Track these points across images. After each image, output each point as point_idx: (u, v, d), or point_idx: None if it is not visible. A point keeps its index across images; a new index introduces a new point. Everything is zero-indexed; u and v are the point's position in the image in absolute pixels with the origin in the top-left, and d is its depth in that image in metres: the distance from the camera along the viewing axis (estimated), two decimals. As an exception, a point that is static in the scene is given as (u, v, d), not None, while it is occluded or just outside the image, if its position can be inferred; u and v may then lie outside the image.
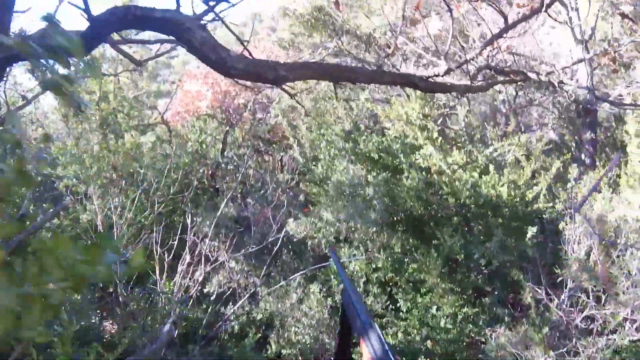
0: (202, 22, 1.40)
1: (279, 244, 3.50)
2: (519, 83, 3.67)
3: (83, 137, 5.90)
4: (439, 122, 4.41)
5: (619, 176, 5.08)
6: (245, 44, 1.60)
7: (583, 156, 6.16)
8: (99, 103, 5.89)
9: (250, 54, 1.58)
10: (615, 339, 3.34)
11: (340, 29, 4.13)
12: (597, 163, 6.05)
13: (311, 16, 4.37)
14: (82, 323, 3.57)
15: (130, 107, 6.24)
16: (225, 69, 1.40)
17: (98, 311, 4.01)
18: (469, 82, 1.63)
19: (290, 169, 4.99)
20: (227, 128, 5.74)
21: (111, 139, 5.86)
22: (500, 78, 2.61)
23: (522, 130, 5.61)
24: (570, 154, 4.98)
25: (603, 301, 3.54)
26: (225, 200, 3.63)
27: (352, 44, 4.25)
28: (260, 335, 4.02)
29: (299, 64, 1.63)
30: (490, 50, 1.56)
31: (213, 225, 3.80)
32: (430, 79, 1.71)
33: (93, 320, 3.85)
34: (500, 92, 5.33)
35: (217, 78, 6.15)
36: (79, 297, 3.71)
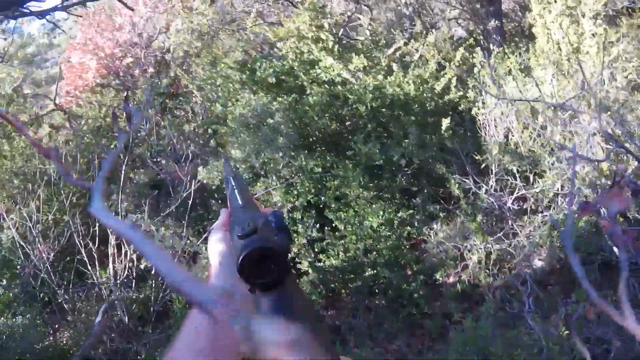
0: None
1: (192, 196, 3.25)
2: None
3: None
4: (340, 33, 4.19)
5: (528, 59, 5.16)
6: None
7: (491, 46, 6.22)
8: None
9: None
10: (550, 214, 3.47)
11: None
12: (506, 49, 6.13)
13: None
14: (40, 344, 3.32)
15: (8, 103, 5.55)
16: None
17: (50, 327, 3.71)
18: None
19: (202, 117, 4.65)
20: (125, 93, 5.21)
21: (2, 143, 5.25)
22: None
23: (428, 29, 5.52)
24: (473, 40, 4.95)
25: (532, 181, 3.65)
26: (123, 169, 3.28)
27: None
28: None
29: None
30: None
31: (126, 197, 3.47)
32: None
33: (50, 338, 3.58)
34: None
35: (97, 42, 5.49)
36: (24, 320, 3.42)
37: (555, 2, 4.61)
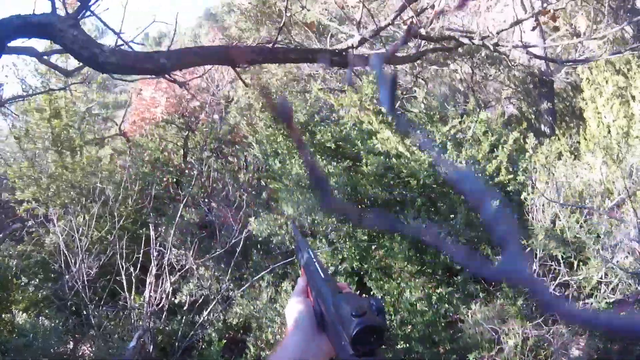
0: (76, 20, 1.30)
1: (241, 244, 3.39)
2: (455, 50, 3.65)
3: (37, 157, 5.69)
4: (396, 105, 4.39)
5: (578, 142, 5.16)
6: (121, 34, 1.50)
7: (542, 127, 6.26)
8: (50, 120, 5.67)
9: (130, 47, 1.48)
10: (592, 303, 3.37)
11: (287, 19, 4.04)
12: (557, 132, 6.16)
13: (257, 9, 4.25)
14: (57, 349, 3.44)
15: (81, 121, 6.03)
16: (98, 65, 1.32)
17: (71, 336, 3.86)
18: (392, 52, 1.57)
19: (254, 168, 4.89)
20: (187, 133, 5.57)
21: (67, 156, 5.66)
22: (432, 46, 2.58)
23: (482, 106, 5.65)
24: (526, 124, 5.02)
25: (575, 267, 3.57)
26: (182, 205, 3.48)
27: (302, 34, 4.17)
28: (238, 338, 3.94)
29: (179, 50, 1.54)
30: (414, 18, 1.50)
31: (173, 233, 3.65)
32: (344, 52, 1.64)
33: (69, 346, 3.71)
34: (456, 71, 5.35)
35: (170, 83, 5.96)
36: (51, 324, 3.58)
37: (607, 83, 4.65)
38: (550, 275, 3.59)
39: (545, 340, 3.37)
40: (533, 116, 6.34)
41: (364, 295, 3.06)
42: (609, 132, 4.79)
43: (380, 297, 3.15)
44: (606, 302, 3.37)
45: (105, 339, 3.68)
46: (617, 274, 3.27)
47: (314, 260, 0.82)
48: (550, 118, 6.45)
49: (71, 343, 3.79)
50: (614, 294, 3.42)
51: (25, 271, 4.32)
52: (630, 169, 3.94)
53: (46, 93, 5.63)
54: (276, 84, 4.08)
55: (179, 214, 3.43)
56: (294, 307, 0.75)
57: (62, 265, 3.99)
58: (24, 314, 3.66)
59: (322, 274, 0.76)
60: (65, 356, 3.60)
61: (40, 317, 3.69)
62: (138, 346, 3.27)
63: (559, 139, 5.02)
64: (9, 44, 1.43)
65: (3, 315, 3.42)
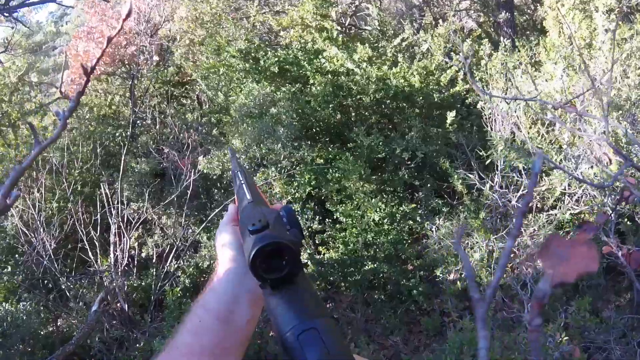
0: None
1: (191, 186, 3.23)
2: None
3: None
4: (347, 23, 4.12)
5: (538, 53, 5.05)
6: None
7: (502, 39, 6.10)
8: None
9: None
10: (556, 214, 3.39)
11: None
12: (517, 43, 6.02)
13: None
14: (42, 330, 3.35)
15: (12, 92, 5.56)
16: None
17: (51, 313, 3.74)
18: None
19: (207, 106, 4.62)
20: (131, 81, 5.19)
21: (8, 132, 5.27)
22: None
23: (439, 20, 5.41)
24: (485, 36, 4.85)
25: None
26: (123, 155, 3.26)
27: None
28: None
29: None
30: None
31: (127, 186, 3.45)
32: None
33: (52, 324, 3.61)
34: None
35: (102, 31, 5.47)
36: (27, 307, 3.46)
37: None
38: (512, 187, 3.59)
39: (510, 252, 3.43)
40: (492, 29, 6.15)
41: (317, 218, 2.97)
42: (571, 42, 4.66)
43: (342, 219, 3.08)
44: (570, 214, 3.40)
45: (81, 308, 3.59)
46: (580, 185, 3.27)
47: (243, 182, 0.69)
48: (510, 30, 6.28)
49: (52, 322, 3.69)
50: (577, 206, 3.45)
51: None
52: (592, 79, 3.85)
53: None
54: (211, 12, 3.74)
55: (122, 166, 3.20)
56: (222, 237, 0.63)
57: (26, 245, 3.80)
58: (6, 304, 3.52)
59: (247, 195, 0.63)
60: (53, 335, 3.50)
61: (20, 303, 3.54)
62: (101, 308, 3.17)
63: (518, 50, 4.88)
64: None
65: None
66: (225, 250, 0.60)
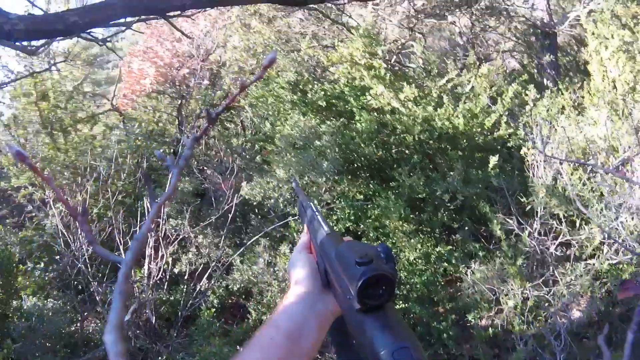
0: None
1: (233, 210, 3.33)
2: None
3: (29, 142, 5.63)
4: (392, 60, 4.21)
5: (582, 97, 4.98)
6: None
7: (545, 81, 6.05)
8: (37, 103, 5.57)
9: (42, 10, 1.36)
10: (594, 264, 3.29)
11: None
12: (560, 86, 5.94)
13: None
14: (65, 329, 3.48)
15: (67, 100, 5.93)
16: (5, 34, 1.20)
17: (78, 315, 3.88)
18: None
19: (251, 132, 4.78)
20: (180, 101, 5.44)
21: (59, 137, 5.59)
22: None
23: (482, 60, 5.44)
24: (528, 78, 4.82)
25: (577, 226, 3.47)
26: (170, 176, 3.39)
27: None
28: (240, 303, 3.97)
29: (92, 5, 1.41)
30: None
31: (169, 203, 3.59)
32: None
33: (77, 324, 3.74)
34: (454, 23, 5.12)
35: (157, 52, 5.79)
36: (58, 305, 3.61)
37: (612, 37, 4.45)
38: (552, 235, 3.51)
39: (545, 301, 3.33)
40: (535, 70, 6.12)
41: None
42: (614, 86, 4.59)
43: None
44: (609, 264, 3.29)
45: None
46: (620, 235, 3.18)
47: (316, 214, 0.75)
48: (553, 72, 6.22)
49: (78, 322, 3.83)
50: (617, 256, 3.34)
51: (29, 256, 4.34)
52: (636, 125, 3.77)
53: (30, 76, 5.51)
54: (263, 44, 3.91)
55: (169, 182, 3.34)
56: (296, 263, 0.68)
57: (63, 246, 3.98)
58: (33, 298, 3.69)
59: (324, 227, 0.69)
60: (76, 335, 3.63)
61: (49, 300, 3.70)
62: (132, 318, 3.27)
63: (562, 93, 4.83)
64: None
65: (13, 302, 3.43)
66: (298, 274, 0.65)
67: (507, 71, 5.98)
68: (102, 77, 11.12)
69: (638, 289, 2.10)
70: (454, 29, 5.44)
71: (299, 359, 0.56)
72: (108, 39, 2.59)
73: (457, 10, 4.92)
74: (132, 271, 3.85)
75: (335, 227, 2.94)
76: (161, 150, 5.50)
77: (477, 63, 4.76)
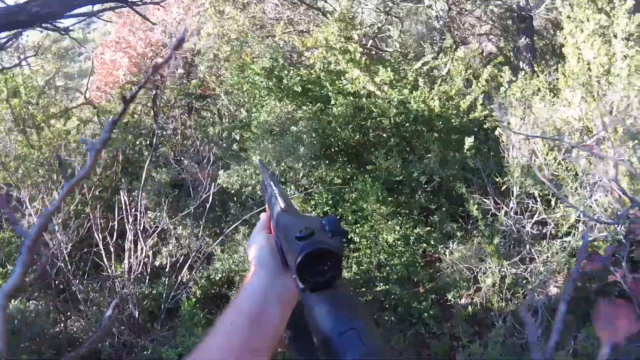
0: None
1: (210, 199, 3.30)
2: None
3: (1, 141, 5.46)
4: (369, 44, 4.20)
5: (557, 79, 5.05)
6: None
7: (521, 64, 6.12)
8: (7, 100, 5.38)
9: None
10: (570, 241, 3.37)
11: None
12: (536, 69, 6.01)
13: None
14: (49, 330, 3.42)
15: (39, 95, 5.76)
16: None
17: (61, 314, 3.81)
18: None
19: (228, 120, 4.72)
20: (154, 92, 5.33)
21: (32, 134, 5.44)
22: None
23: (458, 44, 5.46)
24: (504, 61, 4.87)
25: (553, 205, 3.55)
26: (146, 165, 3.35)
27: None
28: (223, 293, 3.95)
29: None
30: None
31: (146, 195, 3.53)
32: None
33: (61, 324, 3.68)
34: (430, 7, 5.12)
35: (129, 42, 5.65)
36: (39, 306, 3.54)
37: (588, 21, 4.50)
38: (528, 214, 3.58)
39: (522, 278, 3.41)
40: (511, 53, 6.19)
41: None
42: (589, 69, 4.67)
43: (356, 239, 3.11)
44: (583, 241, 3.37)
45: (93, 312, 3.65)
46: (595, 212, 3.26)
47: (275, 190, 0.72)
48: (529, 55, 6.29)
49: (62, 323, 3.76)
50: (592, 233, 3.42)
51: (8, 258, 4.23)
52: (610, 107, 3.85)
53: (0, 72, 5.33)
54: (237, 30, 3.85)
55: (144, 174, 3.29)
56: (255, 243, 0.66)
57: (41, 245, 3.87)
58: (15, 302, 3.59)
59: (281, 203, 0.66)
60: (60, 335, 3.56)
61: (31, 301, 3.61)
62: (115, 314, 3.23)
63: (537, 76, 4.89)
64: None
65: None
66: (257, 255, 0.63)
67: (484, 54, 6.04)
68: (74, 70, 10.82)
69: (604, 260, 2.18)
70: (431, 13, 5.46)
71: (262, 340, 0.55)
72: (70, 28, 2.51)
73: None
74: (113, 265, 3.80)
75: (313, 212, 2.95)
76: (137, 142, 5.40)
77: (454, 46, 4.79)
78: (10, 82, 5.38)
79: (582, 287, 3.37)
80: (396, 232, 3.14)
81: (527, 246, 3.54)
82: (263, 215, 0.74)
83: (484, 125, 3.92)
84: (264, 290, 0.58)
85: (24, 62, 6.82)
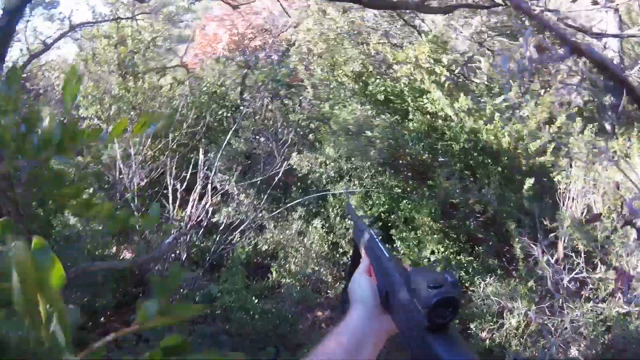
0: None
1: (279, 176, 3.62)
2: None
3: (102, 80, 6.10)
4: (456, 71, 4.35)
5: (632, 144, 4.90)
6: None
7: (603, 122, 5.96)
8: (116, 46, 6.03)
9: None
10: (603, 308, 3.34)
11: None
12: (617, 130, 5.84)
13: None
14: (101, 252, 3.85)
15: (145, 49, 6.37)
16: None
17: (116, 240, 4.26)
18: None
19: (307, 111, 5.06)
20: (245, 71, 5.79)
21: (129, 80, 6.03)
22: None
23: (546, 88, 5.43)
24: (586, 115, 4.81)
25: (597, 267, 3.52)
26: (231, 132, 3.73)
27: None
28: (265, 264, 4.28)
29: None
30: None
31: (219, 158, 3.93)
32: None
33: (114, 249, 4.13)
34: (521, 46, 5.15)
35: (234, 21, 6.16)
36: (99, 229, 3.98)
37: None
38: (568, 267, 3.56)
39: (547, 331, 3.40)
40: (597, 110, 6.04)
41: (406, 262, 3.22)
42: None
43: (401, 247, 3.32)
44: (617, 312, 3.32)
45: (146, 244, 4.05)
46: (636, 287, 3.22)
47: (377, 240, 0.82)
48: (614, 115, 6.11)
49: (114, 247, 4.20)
50: (628, 306, 3.36)
51: (80, 180, 4.75)
52: None
53: (114, 21, 5.98)
54: (336, 31, 4.16)
55: (226, 139, 3.68)
56: (358, 284, 0.75)
57: (117, 176, 4.34)
58: (76, 218, 4.01)
59: (385, 253, 0.77)
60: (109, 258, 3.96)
61: (89, 221, 4.05)
62: (173, 243, 3.59)
63: (616, 138, 4.80)
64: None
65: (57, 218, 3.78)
66: (359, 294, 0.73)
67: (570, 105, 5.92)
68: (174, 34, 11.69)
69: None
70: (525, 53, 5.45)
71: None
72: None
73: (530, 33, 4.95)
74: (176, 209, 4.21)
75: (369, 211, 3.20)
76: (220, 112, 5.89)
77: (541, 92, 4.80)
78: (121, 31, 6.03)
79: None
80: (439, 253, 3.31)
81: (560, 300, 3.53)
82: (364, 260, 0.82)
83: (551, 173, 3.96)
84: (362, 325, 0.68)
85: (139, 17, 7.46)
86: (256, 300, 3.74)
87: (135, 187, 4.41)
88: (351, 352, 0.64)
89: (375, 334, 0.67)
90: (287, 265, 3.93)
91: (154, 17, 7.90)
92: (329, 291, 3.82)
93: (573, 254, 3.58)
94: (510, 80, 5.24)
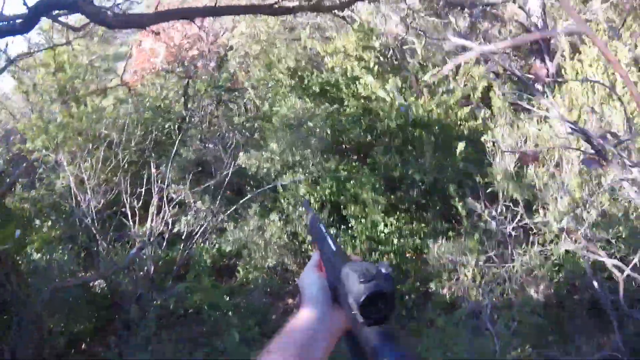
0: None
1: (229, 176, 3.75)
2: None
3: (45, 110, 5.97)
4: (389, 55, 4.58)
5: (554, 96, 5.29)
6: None
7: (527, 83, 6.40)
8: (54, 73, 5.92)
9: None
10: (551, 249, 3.65)
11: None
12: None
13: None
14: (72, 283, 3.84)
15: (84, 73, 6.28)
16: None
17: (82, 268, 4.24)
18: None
19: (251, 113, 5.19)
20: (187, 81, 5.84)
21: (72, 106, 5.93)
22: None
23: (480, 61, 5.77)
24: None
25: (535, 211, 3.83)
26: (177, 140, 3.83)
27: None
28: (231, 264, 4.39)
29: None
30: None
31: (172, 169, 4.01)
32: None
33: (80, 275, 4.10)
34: (449, 23, 5.50)
35: (170, 34, 6.19)
36: (65, 258, 3.95)
37: (590, 48, 4.80)
38: (510, 215, 3.85)
39: (501, 278, 3.67)
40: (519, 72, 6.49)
41: (370, 261, 3.42)
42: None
43: (354, 225, 3.54)
44: (565, 250, 3.46)
45: (113, 268, 4.04)
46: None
47: (325, 233, 0.82)
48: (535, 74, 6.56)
49: (81, 273, 4.17)
50: (574, 244, 3.65)
51: (37, 214, 4.68)
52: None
53: (51, 48, 5.87)
54: (267, 32, 4.32)
55: (174, 151, 3.77)
56: (308, 280, 0.74)
57: (74, 204, 4.30)
58: (38, 254, 3.97)
59: (332, 246, 0.76)
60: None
61: (54, 255, 3.91)
62: (138, 255, 3.65)
63: (540, 94, 5.19)
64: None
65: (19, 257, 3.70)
66: (309, 291, 0.72)
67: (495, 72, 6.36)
68: (110, 53, 11.45)
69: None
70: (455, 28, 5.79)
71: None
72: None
73: (456, 10, 5.28)
74: (136, 226, 4.23)
75: (316, 194, 3.39)
76: (167, 125, 5.91)
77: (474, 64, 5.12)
78: (58, 57, 5.92)
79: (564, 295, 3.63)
80: (391, 225, 3.54)
81: (509, 247, 3.82)
82: (314, 255, 0.82)
83: (483, 137, 4.28)
84: (313, 323, 0.66)
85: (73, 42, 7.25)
86: (227, 298, 3.87)
87: (93, 211, 4.40)
88: (304, 350, 0.64)
89: (327, 329, 0.66)
90: (252, 262, 4.06)
91: (89, 40, 7.74)
92: (295, 279, 3.99)
93: (511, 204, 3.86)
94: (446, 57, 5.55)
